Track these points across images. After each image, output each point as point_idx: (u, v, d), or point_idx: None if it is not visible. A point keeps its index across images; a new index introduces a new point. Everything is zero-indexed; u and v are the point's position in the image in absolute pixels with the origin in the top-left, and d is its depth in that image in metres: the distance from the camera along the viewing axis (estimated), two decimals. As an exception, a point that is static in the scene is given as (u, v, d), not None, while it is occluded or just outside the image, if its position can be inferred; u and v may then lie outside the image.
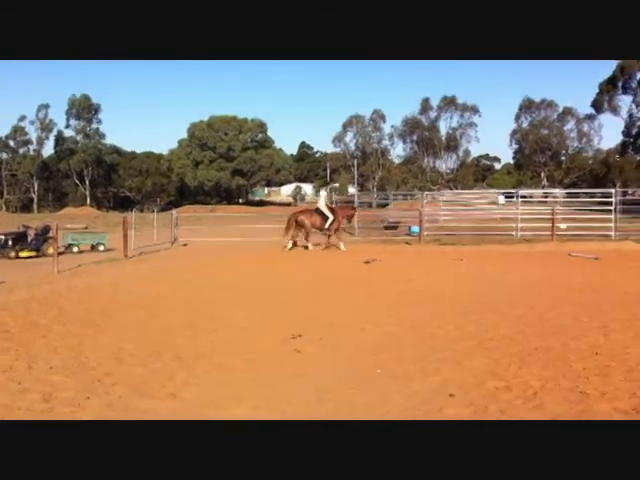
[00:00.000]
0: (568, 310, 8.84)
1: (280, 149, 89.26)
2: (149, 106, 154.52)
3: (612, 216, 22.89)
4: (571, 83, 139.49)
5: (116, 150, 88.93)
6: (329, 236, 19.19)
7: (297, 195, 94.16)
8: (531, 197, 45.16)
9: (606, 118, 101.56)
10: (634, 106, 78.95)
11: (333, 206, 20.99)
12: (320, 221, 18.60)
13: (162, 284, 12.20)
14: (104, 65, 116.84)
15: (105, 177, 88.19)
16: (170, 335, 7.64)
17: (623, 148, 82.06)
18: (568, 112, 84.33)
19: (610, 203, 23.47)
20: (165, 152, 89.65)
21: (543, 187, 76.32)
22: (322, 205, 18.90)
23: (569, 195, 44.69)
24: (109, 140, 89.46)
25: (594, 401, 5.05)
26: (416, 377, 5.82)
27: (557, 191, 51.80)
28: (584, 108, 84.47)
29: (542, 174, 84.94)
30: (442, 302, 9.77)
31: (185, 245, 21.26)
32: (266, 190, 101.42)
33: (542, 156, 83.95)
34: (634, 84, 77.59)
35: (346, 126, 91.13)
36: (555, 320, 8.18)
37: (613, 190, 25.35)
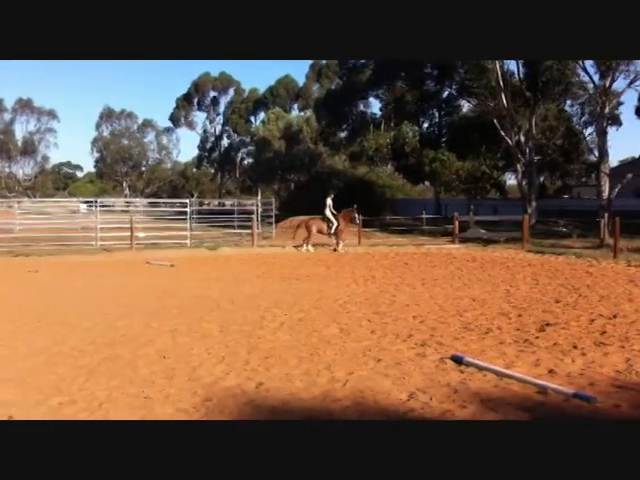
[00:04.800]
0: (141, 317, 9.02)
1: None
2: None
3: (187, 225, 24.36)
4: (151, 96, 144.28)
5: None
6: (337, 241, 21.28)
7: None
8: (113, 206, 45.24)
9: (184, 132, 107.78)
10: (208, 122, 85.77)
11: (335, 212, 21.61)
12: (326, 227, 21.15)
13: None
14: None
15: None
16: None
17: (199, 161, 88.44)
18: (148, 124, 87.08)
19: (186, 212, 24.93)
20: None
21: (126, 196, 77.24)
22: (327, 212, 21.28)
23: (150, 204, 46.13)
24: None
25: (158, 404, 5.23)
26: (-31, 404, 5.23)
27: (138, 200, 52.94)
28: (164, 121, 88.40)
29: (124, 184, 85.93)
30: (8, 318, 9.02)
31: None
32: None
33: (124, 166, 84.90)
34: (208, 102, 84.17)
35: None
36: (127, 328, 8.27)
37: (188, 200, 27.02)
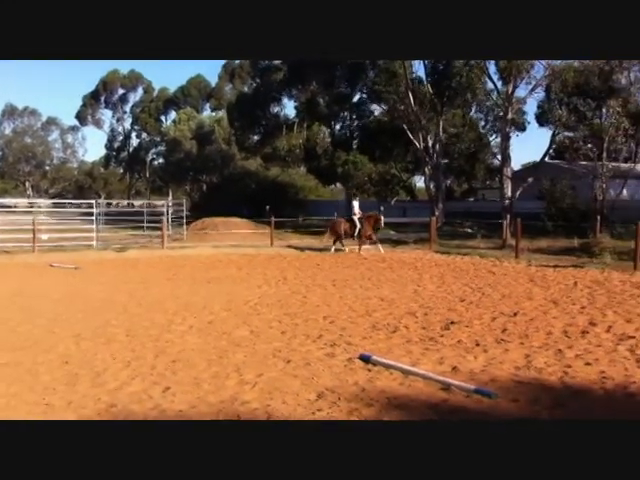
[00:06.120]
0: (43, 322, 8.70)
1: None
2: None
3: (94, 226, 23.58)
4: (56, 93, 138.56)
5: None
6: (360, 242, 21.21)
7: None
8: (15, 207, 43.22)
9: (91, 131, 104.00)
10: (115, 121, 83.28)
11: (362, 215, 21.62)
12: (350, 229, 21.25)
13: None
14: None
15: None
16: None
17: (107, 161, 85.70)
18: (52, 122, 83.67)
19: (93, 213, 24.13)
20: None
21: (28, 197, 74.01)
22: (354, 217, 21.43)
23: (55, 205, 44.43)
24: None
25: (60, 411, 5.06)
26: None
27: (42, 201, 50.88)
28: (69, 119, 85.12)
29: (27, 183, 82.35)
30: None
31: None
32: None
33: (27, 165, 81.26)
34: (115, 99, 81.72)
35: None
36: (28, 334, 7.95)
37: (95, 201, 26.19)
